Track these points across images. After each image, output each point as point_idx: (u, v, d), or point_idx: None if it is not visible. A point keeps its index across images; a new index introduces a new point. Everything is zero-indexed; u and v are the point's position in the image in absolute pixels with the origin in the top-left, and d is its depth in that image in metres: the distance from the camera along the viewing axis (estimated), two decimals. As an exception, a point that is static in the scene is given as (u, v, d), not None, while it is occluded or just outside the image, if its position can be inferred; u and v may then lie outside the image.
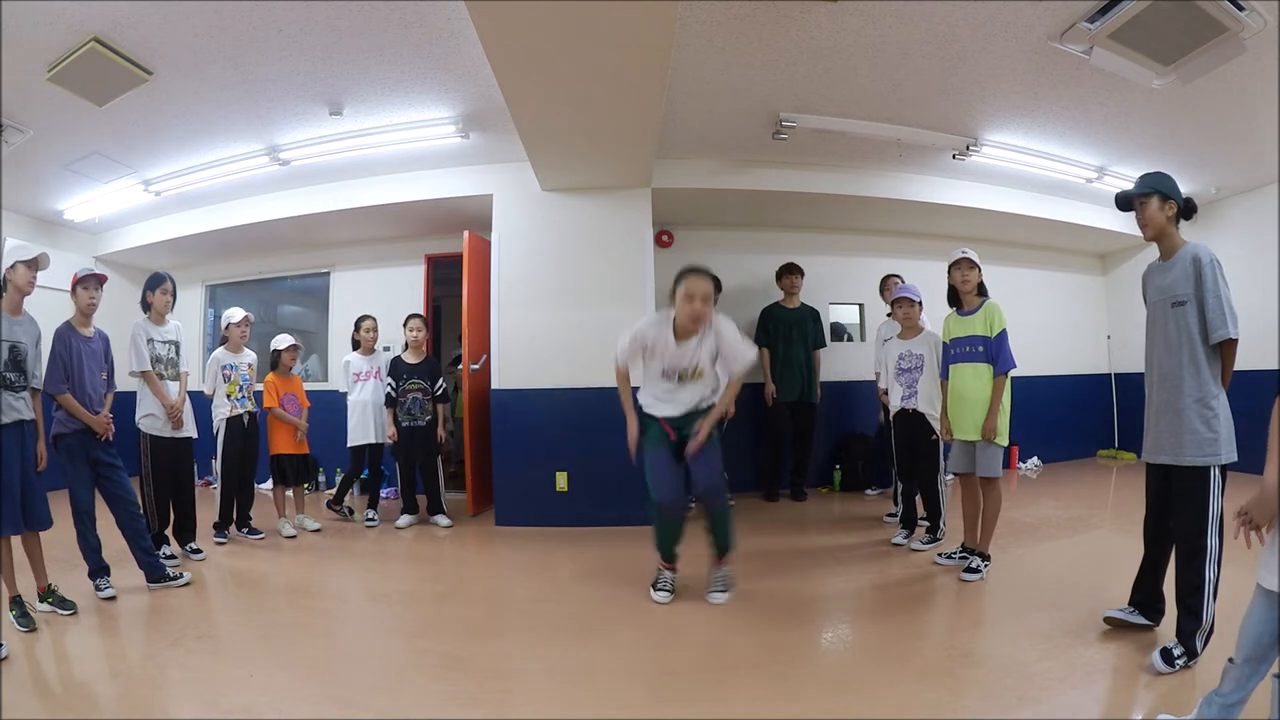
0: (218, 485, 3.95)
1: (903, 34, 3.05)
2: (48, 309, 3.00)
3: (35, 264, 2.63)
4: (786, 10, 2.84)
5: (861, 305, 5.74)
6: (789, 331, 4.96)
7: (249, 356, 4.06)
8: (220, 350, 4.01)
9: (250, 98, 3.53)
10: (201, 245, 5.61)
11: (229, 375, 3.93)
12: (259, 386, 4.14)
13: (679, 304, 2.71)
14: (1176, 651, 2.00)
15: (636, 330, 2.82)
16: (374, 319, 4.58)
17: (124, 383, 3.28)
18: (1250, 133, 4.20)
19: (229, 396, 3.91)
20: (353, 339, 4.60)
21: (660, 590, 2.84)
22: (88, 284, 2.92)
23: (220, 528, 3.90)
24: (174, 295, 3.51)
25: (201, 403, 3.85)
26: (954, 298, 3.24)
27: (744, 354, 2.76)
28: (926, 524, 3.65)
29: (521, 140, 3.60)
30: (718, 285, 4.77)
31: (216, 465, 3.92)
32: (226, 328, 4.03)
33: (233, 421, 3.91)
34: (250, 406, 4.00)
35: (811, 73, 3.41)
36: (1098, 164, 4.76)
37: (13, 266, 2.58)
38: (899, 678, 2.07)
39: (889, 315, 4.67)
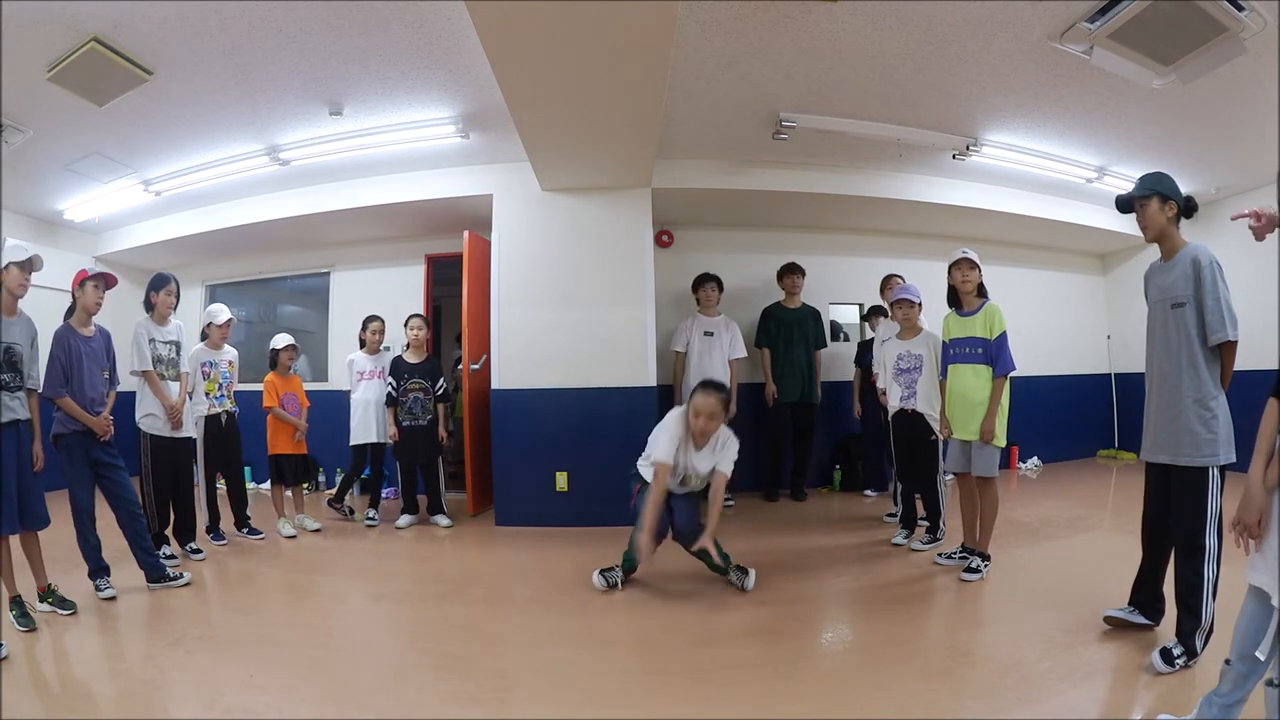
0: (201, 486, 3.89)
1: (903, 34, 3.05)
2: (46, 308, 3.00)
3: (29, 265, 2.61)
4: (786, 10, 2.84)
5: (861, 305, 5.74)
6: (790, 332, 4.97)
7: (229, 354, 4.01)
8: (200, 347, 3.93)
9: (250, 98, 3.53)
10: (201, 245, 5.61)
11: (208, 373, 3.87)
12: (239, 386, 4.09)
13: (693, 425, 2.87)
14: (1176, 651, 2.00)
15: (670, 433, 2.90)
16: (382, 320, 4.59)
17: (124, 382, 3.28)
18: (1250, 133, 4.20)
19: (207, 394, 3.86)
20: (359, 338, 4.61)
21: (602, 576, 2.99)
22: (97, 283, 2.92)
23: (212, 529, 3.88)
24: (178, 296, 3.51)
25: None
26: (954, 298, 3.24)
27: (726, 462, 2.91)
28: (926, 524, 3.65)
29: (521, 140, 3.60)
30: (720, 285, 4.81)
31: (197, 466, 3.84)
32: (208, 326, 3.97)
33: (210, 420, 3.86)
34: (229, 406, 3.94)
35: (811, 73, 3.41)
36: (1098, 164, 4.76)
37: (5, 268, 2.57)
38: (899, 678, 2.07)
39: (863, 318, 4.70)
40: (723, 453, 2.92)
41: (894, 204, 5.05)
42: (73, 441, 2.83)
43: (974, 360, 3.06)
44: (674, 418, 2.94)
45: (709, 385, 2.91)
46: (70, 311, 2.94)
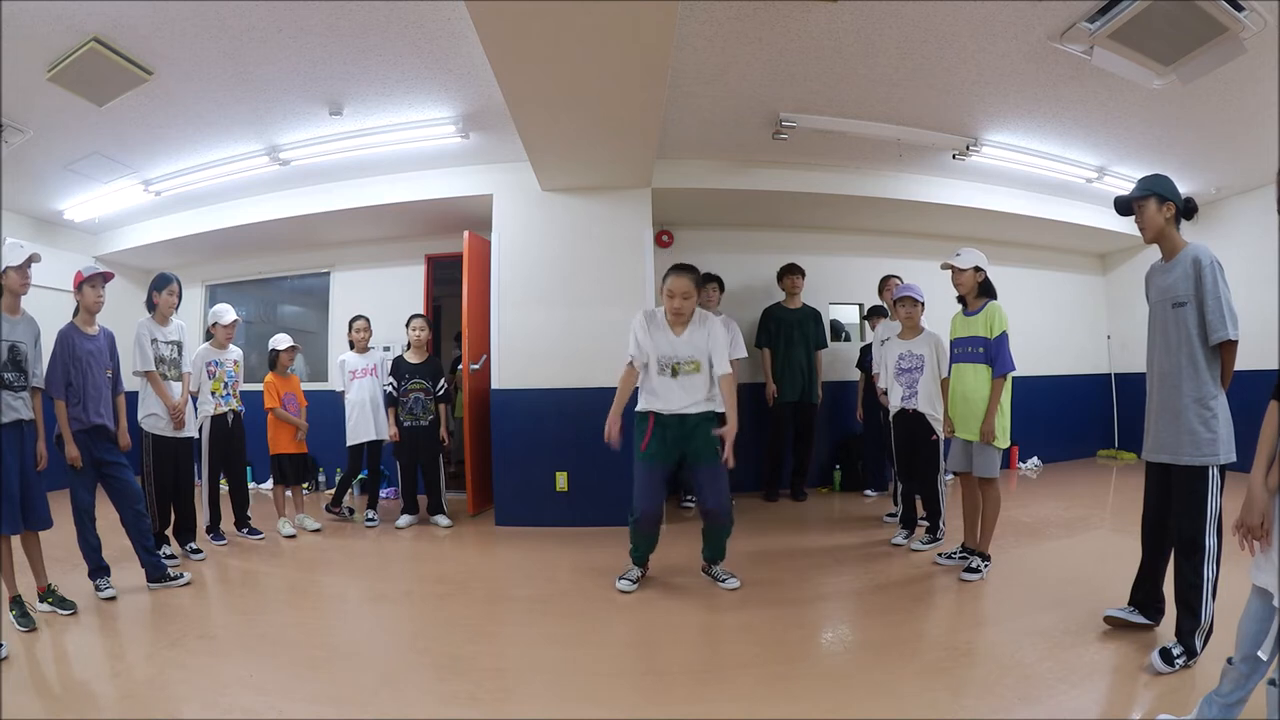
0: (204, 485, 3.88)
1: (902, 34, 3.05)
2: (47, 308, 3.00)
3: (27, 264, 2.61)
4: (786, 10, 2.84)
5: (861, 305, 5.74)
6: (790, 332, 4.96)
7: (234, 353, 4.00)
8: (205, 346, 3.93)
9: (250, 98, 3.53)
10: (201, 245, 5.62)
11: (213, 372, 3.86)
12: (244, 386, 4.08)
13: (666, 306, 2.86)
14: (1176, 651, 2.00)
15: (635, 327, 2.91)
16: (366, 319, 4.59)
17: (127, 383, 3.28)
18: (1250, 133, 4.20)
19: (213, 394, 3.85)
20: (348, 339, 4.61)
21: (624, 580, 2.95)
22: (95, 282, 2.93)
23: (213, 529, 3.88)
24: (180, 297, 3.51)
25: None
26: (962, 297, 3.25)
27: (722, 356, 2.84)
28: (926, 524, 3.65)
29: (521, 140, 3.60)
30: (721, 285, 4.80)
31: (202, 465, 3.83)
32: (213, 326, 3.97)
33: (217, 420, 3.85)
34: (235, 405, 3.94)
35: (811, 73, 3.41)
36: (1098, 164, 4.76)
37: (4, 272, 2.56)
38: (899, 677, 2.08)
39: (864, 318, 4.68)
40: (711, 337, 2.83)
41: (894, 204, 5.05)
42: (76, 441, 2.81)
43: (975, 360, 3.06)
44: (638, 315, 2.93)
45: (681, 267, 2.85)
46: (77, 312, 2.95)
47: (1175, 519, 2.11)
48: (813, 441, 5.06)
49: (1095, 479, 5.64)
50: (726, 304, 4.91)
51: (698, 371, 2.86)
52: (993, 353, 3.01)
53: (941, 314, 3.54)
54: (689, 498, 4.78)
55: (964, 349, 3.12)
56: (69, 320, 2.93)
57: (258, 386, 4.27)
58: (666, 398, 2.86)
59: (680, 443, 2.88)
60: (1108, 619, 2.33)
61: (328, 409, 4.72)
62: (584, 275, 4.35)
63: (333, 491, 4.72)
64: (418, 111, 3.74)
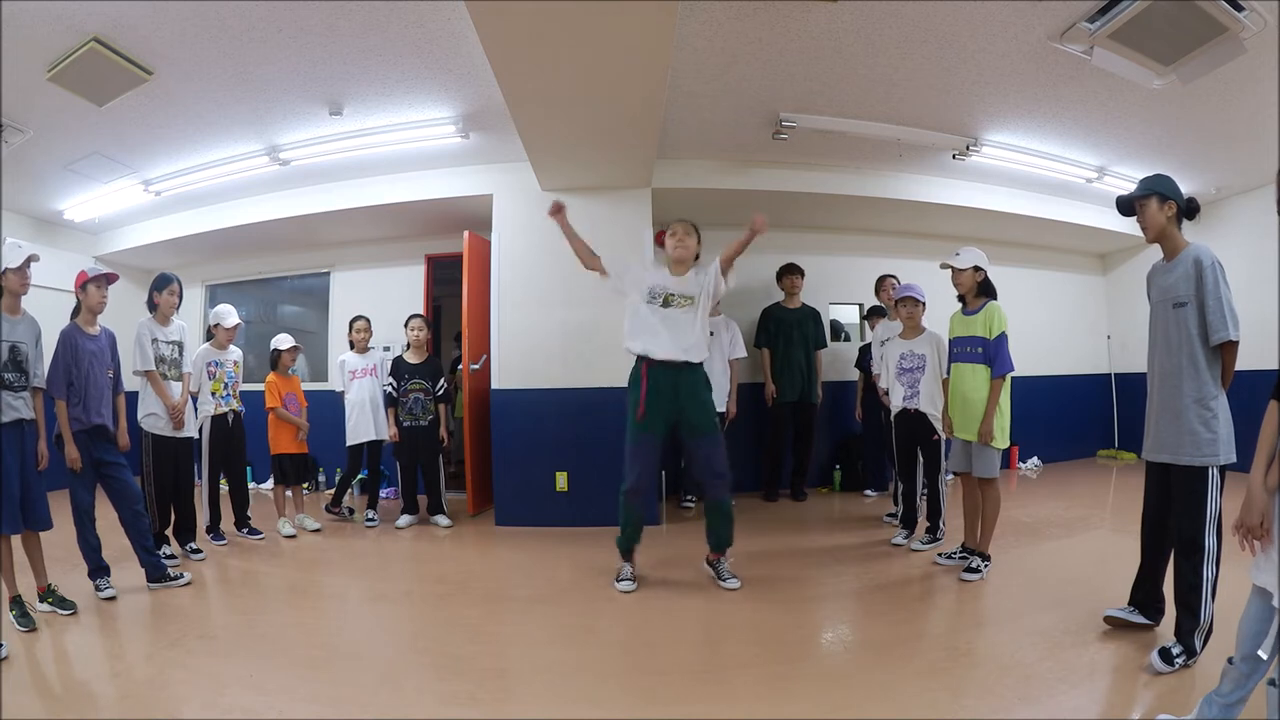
0: (204, 486, 3.88)
1: (902, 34, 3.05)
2: (47, 308, 3.00)
3: (26, 264, 2.60)
4: (786, 10, 2.84)
5: (861, 305, 5.74)
6: (790, 332, 4.96)
7: (235, 354, 4.00)
8: (205, 346, 3.93)
9: (250, 98, 3.53)
10: (201, 245, 5.62)
11: (214, 372, 3.86)
12: (244, 386, 4.08)
13: (668, 246, 3.05)
14: (1175, 651, 2.00)
15: (637, 259, 3.12)
16: (366, 319, 4.59)
17: (128, 382, 3.28)
18: (1250, 133, 4.20)
19: (213, 394, 3.84)
20: (349, 339, 4.62)
21: (623, 581, 2.96)
22: (99, 283, 2.93)
23: (213, 529, 3.87)
24: (180, 297, 3.51)
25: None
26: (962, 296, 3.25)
27: (716, 289, 2.95)
28: (927, 524, 3.65)
29: (521, 140, 3.60)
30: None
31: (202, 465, 3.82)
32: (215, 327, 3.97)
33: (217, 420, 3.85)
34: (236, 405, 3.94)
35: (811, 73, 3.41)
36: (1098, 164, 4.76)
37: (3, 273, 2.56)
38: (899, 678, 2.07)
39: (863, 318, 4.66)
40: (708, 278, 2.95)
41: (894, 204, 5.05)
42: (76, 441, 2.81)
43: (974, 360, 3.06)
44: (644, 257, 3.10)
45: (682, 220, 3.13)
46: (76, 311, 2.95)
47: (1175, 519, 2.11)
48: (812, 441, 5.06)
49: (1095, 479, 5.64)
50: (726, 304, 4.91)
51: (691, 305, 2.90)
52: (991, 353, 3.01)
53: (942, 314, 3.53)
54: (689, 498, 4.78)
55: (963, 349, 3.12)
56: (70, 320, 2.93)
57: (258, 386, 4.28)
58: (657, 335, 2.89)
59: (672, 403, 2.88)
60: (1108, 619, 2.33)
61: (328, 409, 4.72)
62: (584, 275, 4.30)
63: (333, 491, 4.73)
64: (418, 111, 3.74)
